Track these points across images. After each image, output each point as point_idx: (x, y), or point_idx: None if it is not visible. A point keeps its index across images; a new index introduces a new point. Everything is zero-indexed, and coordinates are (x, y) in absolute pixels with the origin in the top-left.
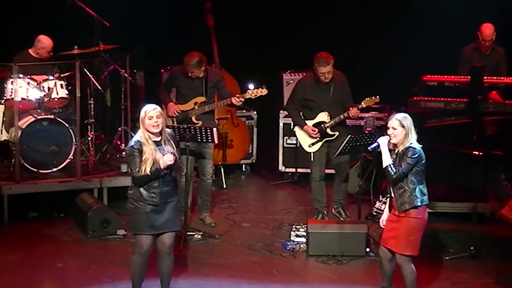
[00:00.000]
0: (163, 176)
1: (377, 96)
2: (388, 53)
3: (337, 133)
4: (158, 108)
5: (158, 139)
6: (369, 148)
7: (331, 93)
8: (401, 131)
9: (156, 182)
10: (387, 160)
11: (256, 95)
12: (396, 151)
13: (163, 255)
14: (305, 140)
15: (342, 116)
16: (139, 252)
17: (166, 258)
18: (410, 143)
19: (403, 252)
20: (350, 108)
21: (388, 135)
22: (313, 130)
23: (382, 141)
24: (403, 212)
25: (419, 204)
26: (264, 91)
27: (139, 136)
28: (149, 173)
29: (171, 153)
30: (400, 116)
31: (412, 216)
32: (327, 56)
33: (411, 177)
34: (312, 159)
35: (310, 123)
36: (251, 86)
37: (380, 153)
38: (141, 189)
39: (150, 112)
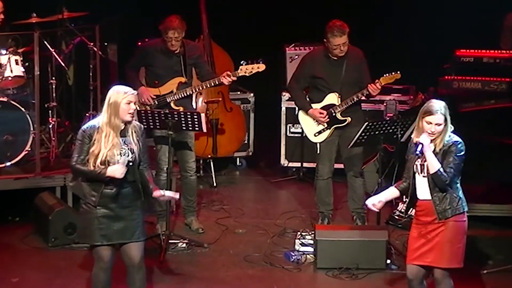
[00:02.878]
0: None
1: (398, 72)
2: (413, 21)
3: (348, 119)
4: (136, 92)
5: (122, 127)
6: (417, 152)
7: (344, 70)
8: (444, 127)
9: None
10: (435, 163)
11: (251, 71)
12: (433, 148)
13: (130, 270)
14: (310, 127)
15: (355, 97)
16: (100, 266)
17: (135, 273)
18: (450, 136)
19: (449, 265)
20: (371, 83)
21: (429, 132)
22: (321, 113)
23: (426, 141)
24: (446, 218)
25: (466, 209)
26: (261, 67)
27: (98, 121)
28: (87, 172)
29: (125, 162)
30: (443, 108)
31: (458, 219)
32: (342, 24)
33: (455, 177)
34: (318, 151)
35: (317, 106)
36: (243, 62)
37: (405, 144)
38: (84, 185)
39: (129, 95)
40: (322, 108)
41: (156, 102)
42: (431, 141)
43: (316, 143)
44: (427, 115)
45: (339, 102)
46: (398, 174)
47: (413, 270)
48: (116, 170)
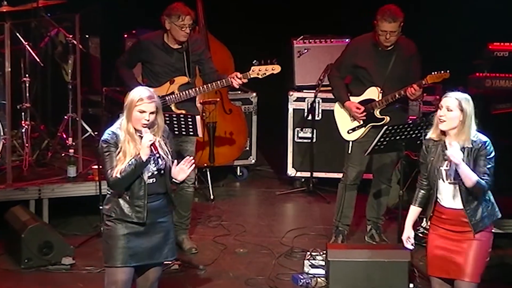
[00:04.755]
0: (151, 186)
1: (448, 71)
2: (440, 11)
3: (387, 118)
4: (156, 101)
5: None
6: (445, 168)
7: (392, 63)
8: (456, 115)
9: (142, 191)
10: (472, 176)
11: (264, 73)
12: (461, 146)
13: None
14: (344, 122)
15: (397, 94)
16: None
17: None
18: (476, 136)
19: (477, 279)
20: (409, 86)
21: (438, 117)
22: (358, 108)
23: (458, 155)
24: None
25: (501, 214)
26: (276, 68)
27: (117, 126)
28: (129, 171)
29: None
30: (462, 96)
31: (489, 229)
32: (396, 10)
33: None
34: (349, 151)
35: (355, 100)
36: (255, 62)
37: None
38: (121, 202)
39: (144, 103)
40: (360, 102)
41: None
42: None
43: (348, 142)
44: (443, 98)
45: (380, 98)
46: None
47: (439, 283)
48: (146, 140)
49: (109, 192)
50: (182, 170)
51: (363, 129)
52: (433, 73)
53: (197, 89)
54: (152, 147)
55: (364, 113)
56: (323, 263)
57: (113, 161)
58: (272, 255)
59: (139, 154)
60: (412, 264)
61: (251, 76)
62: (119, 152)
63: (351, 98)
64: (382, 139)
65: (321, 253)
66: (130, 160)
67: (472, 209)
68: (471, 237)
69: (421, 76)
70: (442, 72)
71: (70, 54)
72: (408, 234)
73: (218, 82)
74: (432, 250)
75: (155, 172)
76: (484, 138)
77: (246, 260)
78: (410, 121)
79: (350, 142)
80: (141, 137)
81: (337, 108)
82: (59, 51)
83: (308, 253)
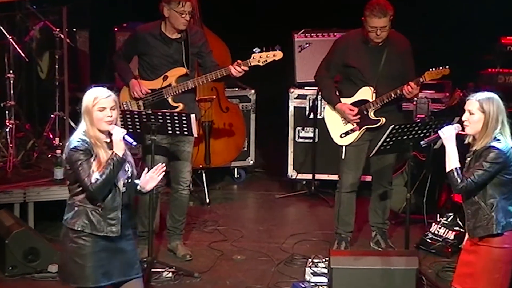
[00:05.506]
0: (124, 195)
1: (447, 67)
2: (448, 4)
3: (382, 120)
4: (113, 95)
5: (108, 139)
6: (422, 142)
7: (384, 60)
8: (479, 118)
9: (117, 201)
10: (452, 161)
11: (266, 60)
12: (474, 148)
13: None
14: (336, 126)
15: (393, 94)
16: None
17: None
18: (495, 139)
19: None
20: (405, 85)
21: (462, 121)
22: (351, 110)
23: (447, 132)
24: (480, 239)
25: (499, 231)
26: (277, 54)
27: (82, 133)
28: (109, 172)
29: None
30: (483, 96)
31: (494, 244)
32: (385, 4)
33: (491, 190)
34: (343, 157)
35: (347, 101)
36: (256, 49)
37: (439, 151)
38: (92, 215)
39: (101, 100)
40: (353, 103)
41: (151, 98)
42: (474, 138)
43: (341, 146)
44: (466, 101)
45: (374, 98)
46: (431, 187)
47: None
48: (117, 133)
49: (76, 204)
50: (152, 179)
51: (357, 133)
52: (431, 69)
53: (196, 80)
54: (125, 139)
55: (358, 115)
56: (325, 270)
57: (87, 169)
58: (272, 262)
59: (113, 153)
60: (420, 271)
61: (252, 64)
62: (93, 160)
63: (342, 99)
64: (388, 139)
65: (324, 260)
66: (107, 161)
67: (470, 212)
68: (481, 248)
69: (416, 73)
70: (441, 68)
71: (46, 50)
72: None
73: (218, 71)
74: (460, 259)
75: (126, 181)
76: (498, 145)
77: (244, 268)
78: (418, 120)
79: (344, 147)
80: (107, 143)
81: (327, 111)
82: (33, 46)
83: (310, 260)
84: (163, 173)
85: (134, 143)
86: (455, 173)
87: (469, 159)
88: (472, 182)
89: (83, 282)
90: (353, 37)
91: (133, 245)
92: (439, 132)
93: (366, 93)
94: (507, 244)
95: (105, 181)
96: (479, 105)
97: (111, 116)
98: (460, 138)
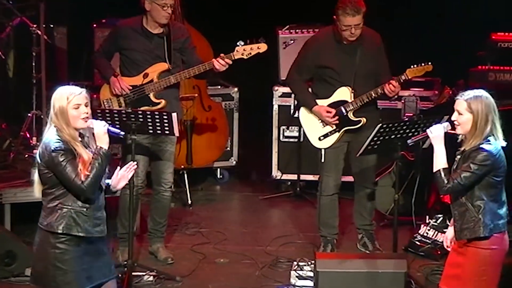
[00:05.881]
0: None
1: (429, 63)
2: None
3: (363, 120)
4: (84, 91)
5: (79, 139)
6: (409, 141)
7: (358, 58)
8: (467, 118)
9: (101, 200)
10: (439, 161)
11: (250, 53)
12: (463, 148)
13: None
14: (314, 129)
15: (373, 93)
16: None
17: None
18: (485, 141)
19: None
20: (387, 83)
21: (452, 122)
22: (329, 112)
23: (435, 132)
24: (468, 241)
25: (486, 234)
26: (262, 46)
27: (56, 135)
28: (98, 167)
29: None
30: (471, 95)
31: (482, 246)
32: (357, 1)
33: (479, 192)
34: (322, 160)
35: (323, 103)
36: (240, 42)
37: (428, 150)
38: (78, 217)
39: (75, 97)
40: (330, 105)
41: (132, 94)
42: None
43: (320, 149)
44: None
45: (352, 99)
46: (420, 188)
47: None
48: (98, 127)
49: (59, 207)
50: (124, 177)
51: (337, 135)
52: (412, 66)
53: (178, 75)
54: (111, 132)
55: (336, 117)
56: (311, 274)
57: (75, 169)
58: (256, 266)
59: (98, 146)
60: (409, 275)
61: (236, 57)
62: (78, 160)
63: (318, 101)
64: (376, 138)
65: (309, 263)
66: (93, 157)
67: (458, 212)
68: (469, 249)
69: (398, 70)
70: (423, 64)
71: (12, 47)
72: (446, 235)
73: (200, 66)
74: (447, 261)
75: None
76: (487, 147)
77: (227, 271)
78: (406, 118)
79: (323, 150)
80: (82, 141)
81: (303, 113)
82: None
83: (295, 263)
84: (133, 171)
85: (122, 132)
86: (442, 174)
87: (458, 157)
88: (459, 184)
89: (68, 287)
90: (324, 37)
91: (108, 245)
92: (427, 131)
93: (344, 93)
94: (495, 246)
95: (96, 177)
96: (467, 105)
97: (87, 113)
98: (450, 137)
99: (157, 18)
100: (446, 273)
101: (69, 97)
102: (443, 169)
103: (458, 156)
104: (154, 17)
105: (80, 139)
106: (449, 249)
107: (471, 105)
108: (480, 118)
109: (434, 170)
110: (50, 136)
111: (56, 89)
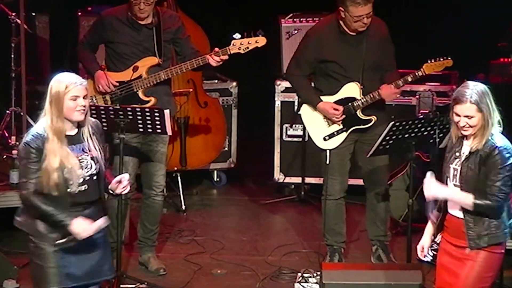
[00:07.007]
0: (83, 194)
1: (449, 58)
2: None
3: (373, 118)
4: (84, 82)
5: (73, 132)
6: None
7: (365, 50)
8: (478, 118)
9: (69, 202)
10: (463, 200)
11: (247, 47)
12: (471, 145)
13: None
14: (318, 128)
15: (376, 95)
16: None
17: None
18: (492, 138)
19: None
20: (382, 87)
21: (459, 127)
22: (336, 109)
23: (431, 191)
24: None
25: (507, 237)
26: (260, 40)
27: (42, 127)
28: (48, 213)
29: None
30: (475, 94)
31: (497, 250)
32: None
33: None
34: (327, 161)
35: (329, 100)
36: (237, 35)
37: (445, 150)
38: (37, 221)
39: (74, 87)
40: (336, 102)
41: (119, 92)
42: (466, 137)
43: (325, 151)
44: (455, 103)
45: (362, 95)
46: None
47: None
48: (84, 230)
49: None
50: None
51: (344, 134)
52: (430, 61)
53: (169, 71)
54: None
55: (344, 115)
56: (317, 286)
57: (30, 172)
58: (256, 277)
59: (70, 224)
60: (424, 287)
61: (232, 52)
62: (43, 162)
63: (323, 98)
64: (388, 137)
65: (315, 274)
66: (65, 219)
67: (473, 220)
68: (474, 257)
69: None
70: (442, 59)
71: (12, 36)
72: (422, 243)
73: (193, 61)
74: (440, 264)
75: (87, 178)
76: (500, 141)
77: (225, 283)
78: (421, 115)
79: (328, 151)
80: (69, 137)
81: (305, 111)
82: None
83: (299, 274)
84: (127, 188)
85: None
86: (478, 201)
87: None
88: (504, 194)
89: (44, 285)
90: (325, 29)
91: (102, 244)
92: (424, 193)
93: (352, 89)
94: (501, 250)
95: (37, 208)
96: (476, 107)
97: (84, 106)
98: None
99: (134, 12)
100: (441, 279)
101: (68, 86)
102: (474, 198)
103: (465, 153)
104: (131, 11)
105: (73, 132)
106: (425, 259)
107: (479, 104)
108: (490, 111)
109: (470, 209)
110: (36, 127)
111: (47, 82)
